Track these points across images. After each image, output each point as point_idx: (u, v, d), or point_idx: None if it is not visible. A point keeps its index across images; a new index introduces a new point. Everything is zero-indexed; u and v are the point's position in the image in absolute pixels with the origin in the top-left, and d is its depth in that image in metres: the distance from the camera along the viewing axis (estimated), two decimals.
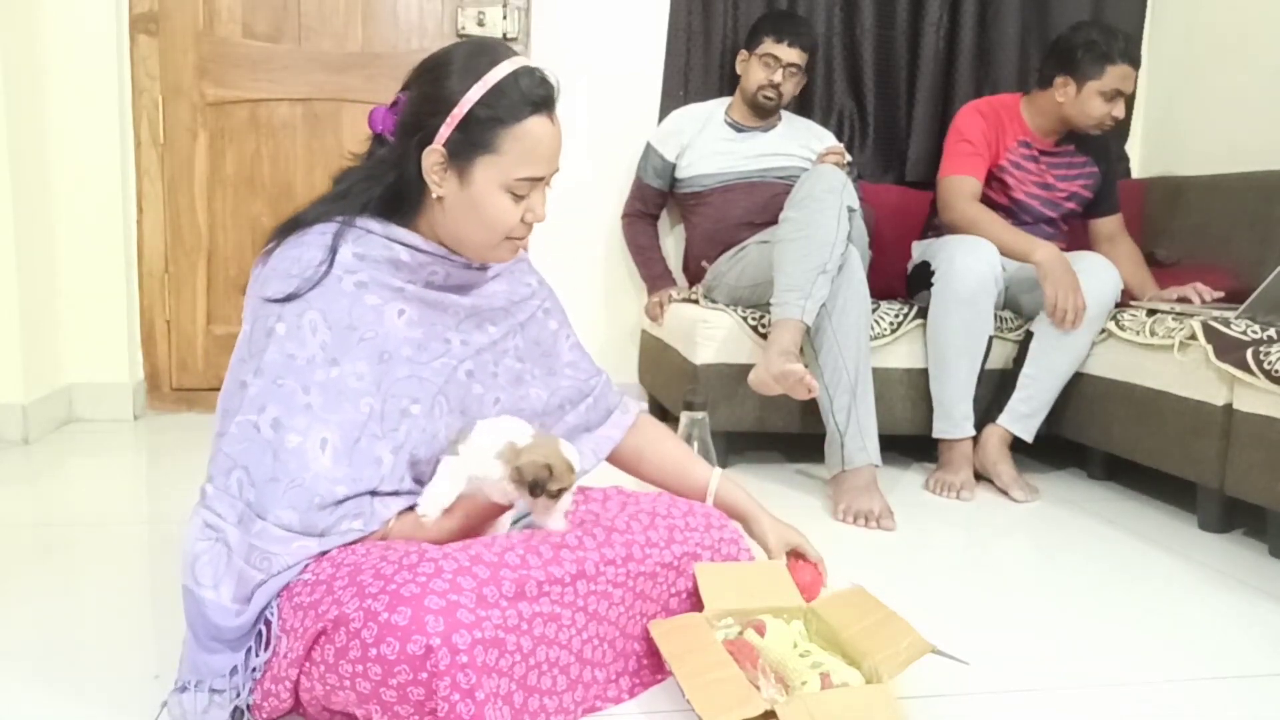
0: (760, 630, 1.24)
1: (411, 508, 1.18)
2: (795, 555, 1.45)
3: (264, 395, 1.10)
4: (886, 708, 1.10)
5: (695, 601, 1.29)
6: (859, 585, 1.36)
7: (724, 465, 2.32)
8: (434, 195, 1.18)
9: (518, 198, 1.18)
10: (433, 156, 1.16)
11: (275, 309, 1.13)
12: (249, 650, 1.09)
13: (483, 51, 1.17)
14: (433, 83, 1.17)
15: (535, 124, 1.16)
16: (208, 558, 1.08)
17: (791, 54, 2.63)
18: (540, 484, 1.15)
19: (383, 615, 0.97)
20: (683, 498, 1.40)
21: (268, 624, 1.09)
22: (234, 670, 1.08)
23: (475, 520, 1.22)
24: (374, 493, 1.15)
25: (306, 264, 1.14)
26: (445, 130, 1.15)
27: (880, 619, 1.27)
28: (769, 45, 2.63)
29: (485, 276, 1.32)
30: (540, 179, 1.19)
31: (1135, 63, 2.37)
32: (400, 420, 1.18)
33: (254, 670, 1.08)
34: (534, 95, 1.15)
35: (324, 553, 1.11)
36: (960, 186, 2.44)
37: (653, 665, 1.23)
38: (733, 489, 1.48)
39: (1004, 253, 2.27)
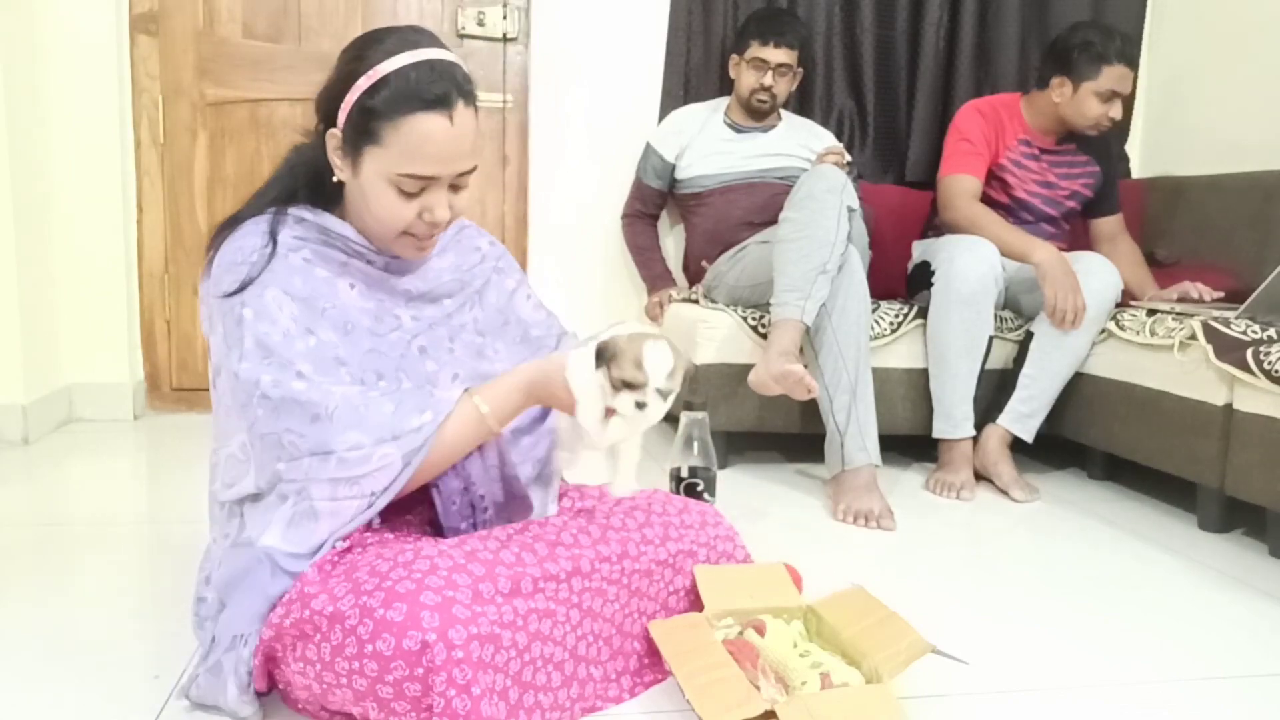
0: (760, 630, 1.24)
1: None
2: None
3: (257, 370, 1.09)
4: (886, 707, 1.10)
5: (693, 600, 1.29)
6: (859, 585, 1.36)
7: (724, 465, 2.32)
8: (336, 179, 1.17)
9: (407, 195, 1.13)
10: (333, 140, 1.15)
11: (236, 299, 1.12)
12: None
13: (381, 39, 1.13)
14: (341, 65, 1.15)
15: (422, 120, 1.10)
16: (304, 518, 1.09)
17: (779, 54, 2.62)
18: (602, 355, 1.11)
19: (378, 611, 0.97)
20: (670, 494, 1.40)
21: None
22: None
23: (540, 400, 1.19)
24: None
25: (250, 250, 1.13)
26: (341, 115, 1.13)
27: (880, 619, 1.27)
28: (755, 49, 2.63)
29: (428, 255, 1.28)
30: (431, 178, 1.13)
31: (1132, 64, 2.37)
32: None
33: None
34: (425, 91, 1.09)
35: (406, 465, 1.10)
36: (961, 185, 2.44)
37: (653, 665, 1.23)
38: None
39: (1004, 253, 2.27)
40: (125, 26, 2.75)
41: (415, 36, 1.14)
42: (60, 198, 2.70)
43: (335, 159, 1.16)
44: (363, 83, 1.11)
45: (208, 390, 3.12)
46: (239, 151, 2.87)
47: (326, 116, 1.16)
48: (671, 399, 1.15)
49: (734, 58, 2.72)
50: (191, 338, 2.92)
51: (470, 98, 1.14)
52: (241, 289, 1.11)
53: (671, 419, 1.66)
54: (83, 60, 2.68)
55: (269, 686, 1.11)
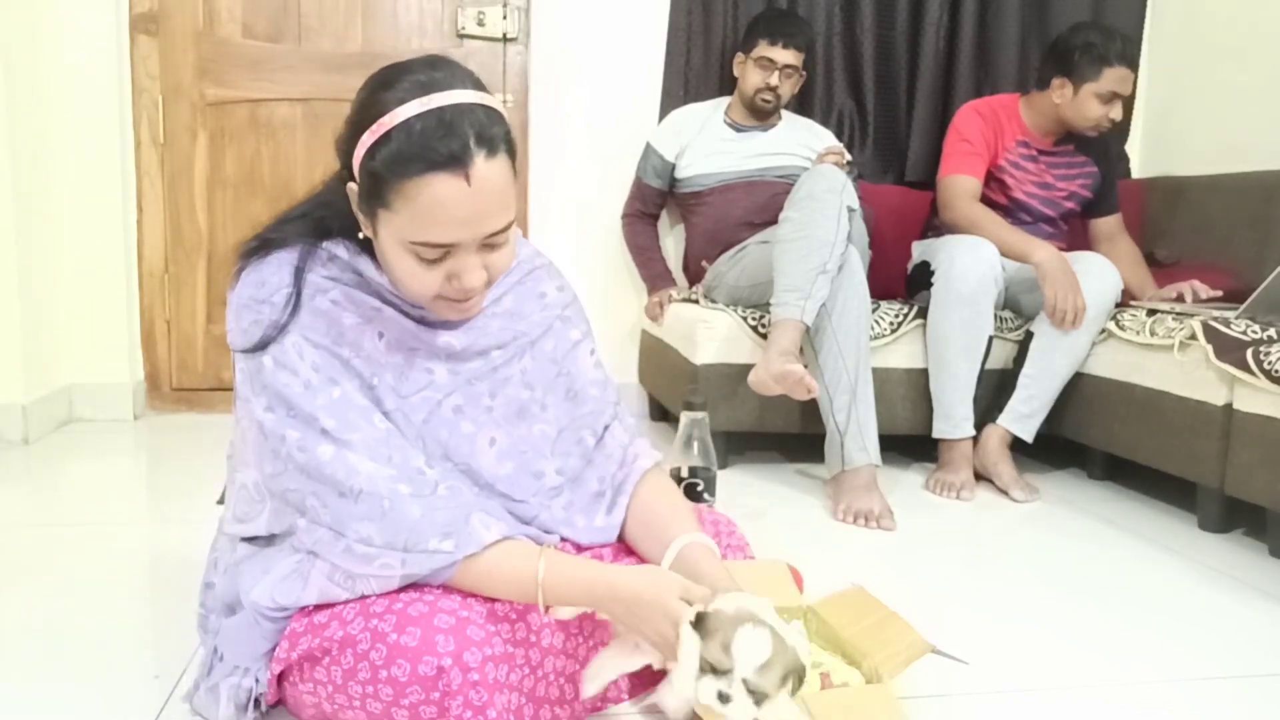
0: None
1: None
2: None
3: (282, 425, 1.02)
4: (887, 707, 1.10)
5: None
6: (859, 585, 1.36)
7: (724, 465, 2.32)
8: (361, 235, 1.05)
9: (428, 262, 0.99)
10: (352, 195, 1.02)
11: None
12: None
13: (404, 85, 0.97)
14: (352, 111, 1.02)
15: (431, 184, 0.94)
16: (293, 581, 1.05)
17: (786, 55, 2.62)
18: (700, 624, 0.96)
19: (391, 636, 0.95)
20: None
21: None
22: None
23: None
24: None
25: (272, 288, 1.04)
26: (355, 170, 1.00)
27: (880, 619, 1.27)
28: (763, 48, 2.63)
29: (473, 315, 1.13)
30: (450, 245, 0.98)
31: (1132, 65, 2.37)
32: None
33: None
34: (432, 150, 0.93)
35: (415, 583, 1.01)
36: (960, 186, 2.44)
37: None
38: (702, 557, 1.15)
39: (1004, 253, 2.27)
40: (125, 26, 2.75)
41: (430, 75, 0.98)
42: (60, 198, 2.69)
43: (358, 215, 1.03)
44: (366, 138, 0.97)
45: (208, 390, 3.10)
46: (239, 151, 2.87)
47: (347, 167, 1.02)
48: (777, 707, 0.94)
49: (739, 56, 2.72)
50: (191, 338, 2.92)
51: (494, 146, 0.96)
52: (262, 340, 1.03)
53: (671, 419, 1.65)
54: (83, 60, 2.68)
55: (279, 700, 1.10)
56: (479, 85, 1.01)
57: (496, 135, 0.97)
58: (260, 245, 1.07)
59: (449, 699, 0.93)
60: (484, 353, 1.14)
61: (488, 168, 0.96)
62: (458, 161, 0.94)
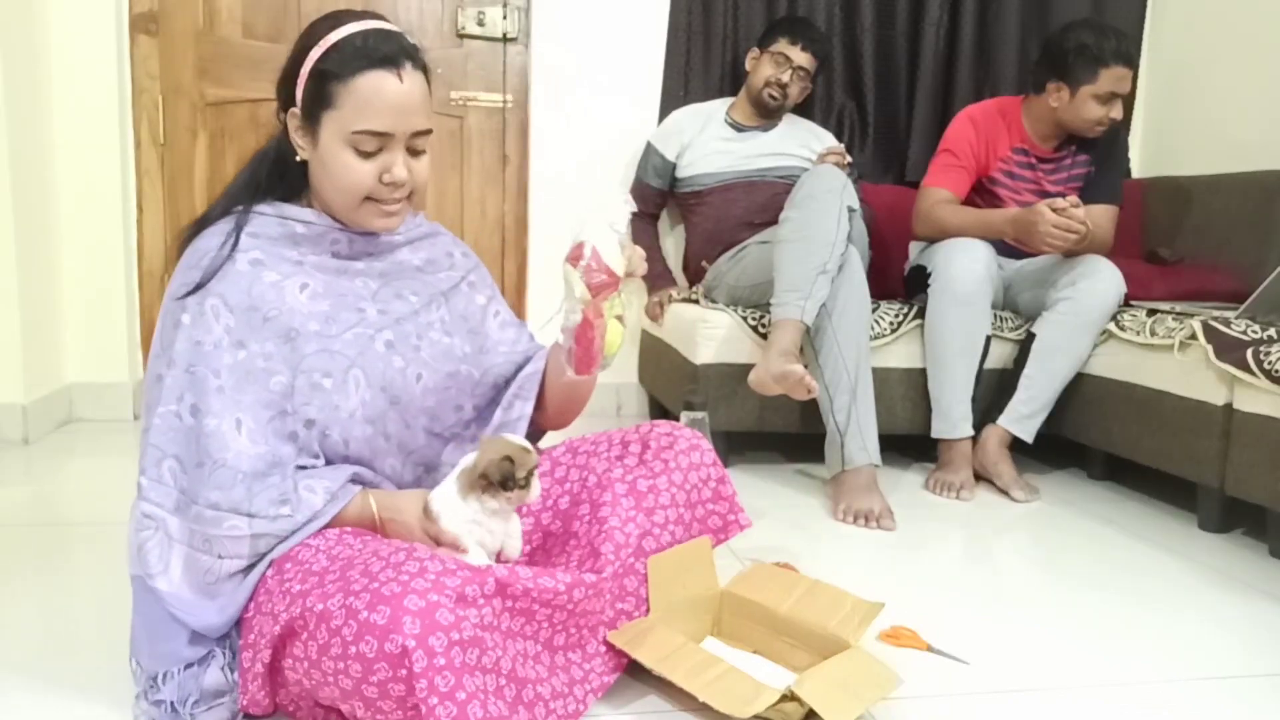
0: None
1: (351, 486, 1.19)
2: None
3: (179, 384, 1.13)
4: (872, 670, 1.15)
5: None
6: (785, 563, 1.38)
7: (724, 465, 2.31)
8: (299, 158, 1.21)
9: (365, 154, 1.17)
10: (293, 120, 1.20)
11: (179, 304, 1.16)
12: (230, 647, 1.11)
13: (335, 17, 1.20)
14: (295, 46, 1.20)
15: (373, 78, 1.15)
16: (152, 544, 1.11)
17: (803, 57, 2.64)
18: (510, 477, 1.15)
19: (362, 614, 0.97)
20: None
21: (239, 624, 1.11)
22: (192, 663, 1.09)
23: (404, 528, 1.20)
24: (300, 467, 1.16)
25: (203, 252, 1.18)
26: (299, 92, 1.18)
27: (807, 589, 1.30)
28: (783, 45, 2.64)
29: (394, 243, 1.30)
30: (385, 134, 1.16)
31: (1130, 63, 2.31)
32: (312, 394, 1.17)
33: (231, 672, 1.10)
34: (373, 52, 1.15)
35: (262, 541, 1.11)
36: (931, 198, 2.43)
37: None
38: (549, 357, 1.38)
39: (981, 238, 2.27)
40: (125, 26, 2.75)
41: (363, 15, 1.20)
42: (61, 198, 2.70)
43: (296, 138, 1.20)
44: (315, 53, 1.16)
45: None
46: (239, 151, 2.87)
47: (286, 99, 1.21)
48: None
49: (754, 51, 2.72)
50: None
51: (418, 63, 1.19)
52: (188, 295, 1.15)
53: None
54: (83, 60, 2.67)
55: (273, 705, 1.10)
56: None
57: (420, 57, 1.20)
58: (195, 225, 1.23)
59: (414, 679, 0.94)
60: (401, 295, 1.28)
61: (415, 75, 1.18)
62: (392, 61, 1.16)
